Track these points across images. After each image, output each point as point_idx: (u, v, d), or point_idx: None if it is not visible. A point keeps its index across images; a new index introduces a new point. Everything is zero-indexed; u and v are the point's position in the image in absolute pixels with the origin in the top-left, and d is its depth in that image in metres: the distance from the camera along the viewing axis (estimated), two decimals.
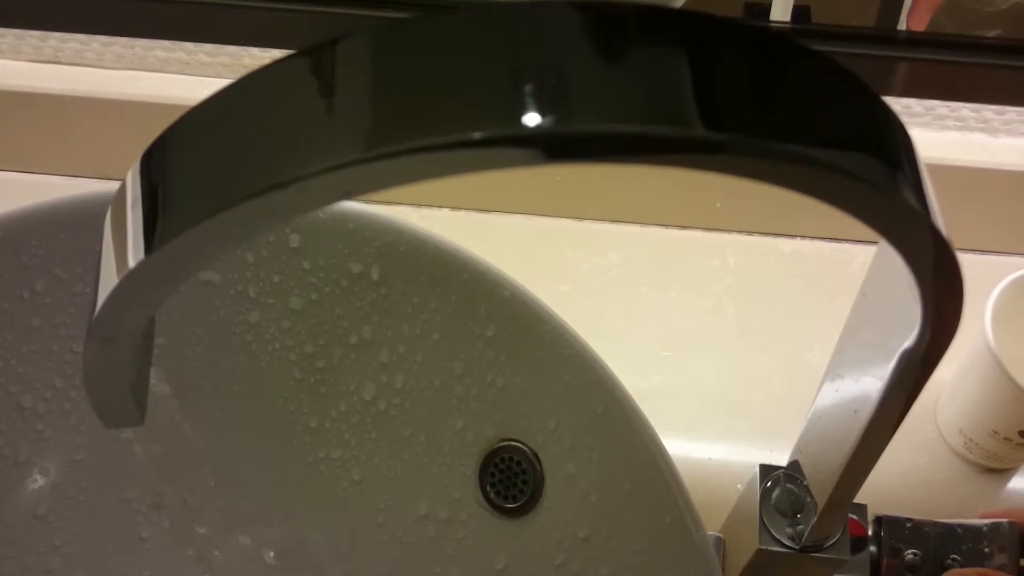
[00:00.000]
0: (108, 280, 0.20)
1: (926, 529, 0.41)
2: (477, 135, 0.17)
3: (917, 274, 0.21)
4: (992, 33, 0.50)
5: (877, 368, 0.26)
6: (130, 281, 0.19)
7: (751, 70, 0.18)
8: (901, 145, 0.19)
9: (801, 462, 0.37)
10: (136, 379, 0.22)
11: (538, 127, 0.17)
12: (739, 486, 0.51)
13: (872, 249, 0.60)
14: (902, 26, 0.48)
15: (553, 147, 0.17)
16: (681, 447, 0.52)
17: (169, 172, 0.19)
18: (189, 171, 0.19)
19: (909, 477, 0.51)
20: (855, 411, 0.28)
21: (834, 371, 0.31)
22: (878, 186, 0.18)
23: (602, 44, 0.18)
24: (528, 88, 0.17)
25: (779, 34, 0.19)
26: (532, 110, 0.17)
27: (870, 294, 0.27)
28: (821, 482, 0.34)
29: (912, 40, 0.49)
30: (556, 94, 0.17)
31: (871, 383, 0.27)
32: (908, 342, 0.23)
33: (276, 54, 0.56)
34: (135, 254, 0.19)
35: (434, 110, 0.17)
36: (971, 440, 0.50)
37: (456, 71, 0.17)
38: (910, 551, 0.40)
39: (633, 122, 0.17)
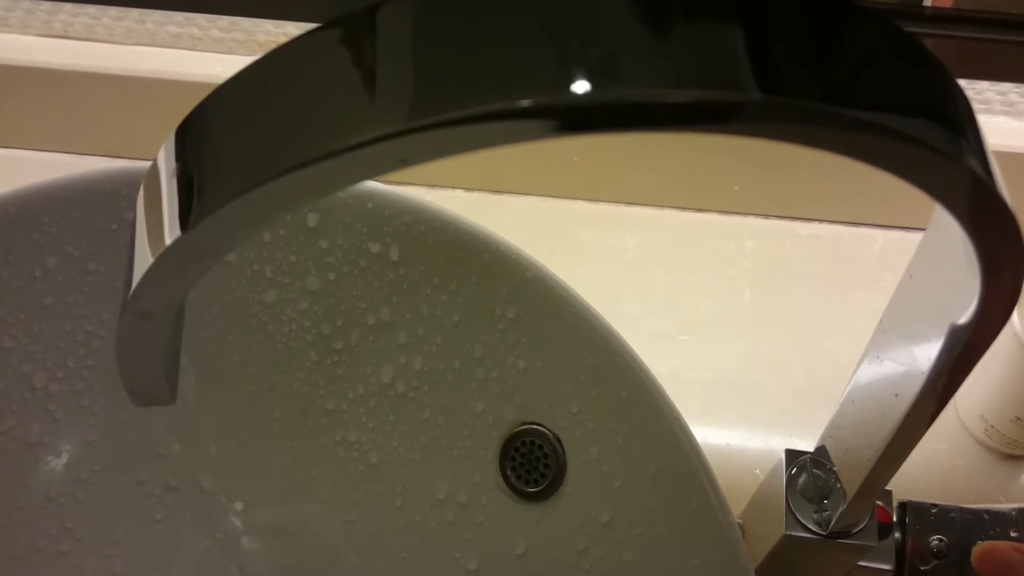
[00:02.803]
0: (143, 257, 0.19)
1: (952, 515, 0.40)
2: (527, 103, 0.16)
3: (977, 245, 0.20)
4: (1017, 10, 0.49)
5: (922, 350, 0.26)
6: (167, 257, 0.19)
7: (808, 32, 0.18)
8: (964, 112, 0.19)
9: (830, 447, 0.36)
10: (169, 357, 0.21)
11: (590, 95, 0.16)
12: (757, 471, 0.50)
13: (891, 233, 0.59)
14: (926, 2, 0.48)
15: (609, 115, 0.16)
16: (698, 432, 0.51)
17: (207, 144, 0.19)
18: (228, 142, 0.18)
19: (928, 463, 0.51)
20: (895, 395, 0.28)
21: (872, 355, 0.30)
22: (944, 153, 0.18)
23: (656, 6, 0.17)
24: (580, 54, 0.16)
25: None
26: (585, 77, 0.16)
27: (917, 275, 0.26)
28: (852, 468, 0.34)
29: (935, 16, 0.49)
30: (611, 59, 0.16)
31: (915, 366, 0.26)
32: (962, 319, 0.23)
33: (291, 28, 0.55)
34: (171, 230, 0.19)
35: (492, 77, 0.16)
36: (992, 426, 0.49)
37: (504, 37, 0.17)
38: (935, 537, 0.40)
39: (687, 88, 0.16)
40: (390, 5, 0.18)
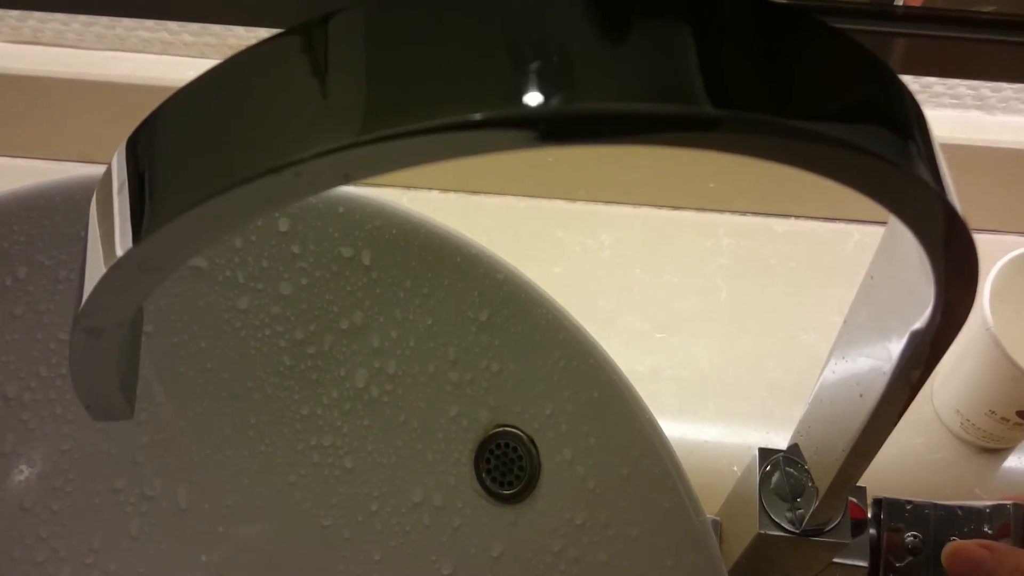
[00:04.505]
0: (95, 269, 0.19)
1: (926, 511, 0.40)
2: (477, 116, 0.16)
3: (930, 253, 0.20)
4: (988, 9, 0.49)
5: (884, 351, 0.26)
6: (118, 270, 0.18)
7: (757, 43, 0.18)
8: (913, 119, 0.19)
9: (801, 445, 0.36)
10: (125, 371, 0.21)
11: (541, 107, 0.16)
12: (735, 468, 0.50)
13: (866, 229, 0.59)
14: (899, 1, 0.48)
15: (559, 128, 0.16)
16: (676, 430, 0.52)
17: (157, 156, 0.19)
18: (178, 155, 0.18)
19: (905, 457, 0.51)
20: (860, 395, 0.28)
21: (838, 355, 0.30)
22: (892, 162, 0.18)
23: (606, 18, 0.17)
24: (529, 66, 0.16)
25: (784, 5, 0.18)
26: (534, 90, 0.16)
27: (877, 276, 0.26)
28: (823, 466, 0.34)
29: (908, 16, 0.49)
30: (559, 72, 0.16)
31: (877, 366, 0.26)
32: (919, 323, 0.23)
33: (263, 33, 0.55)
34: (123, 242, 0.19)
35: (433, 90, 0.16)
36: (968, 420, 0.49)
37: (454, 49, 0.17)
38: (910, 533, 0.40)
39: (637, 100, 0.16)
40: (342, 15, 0.18)
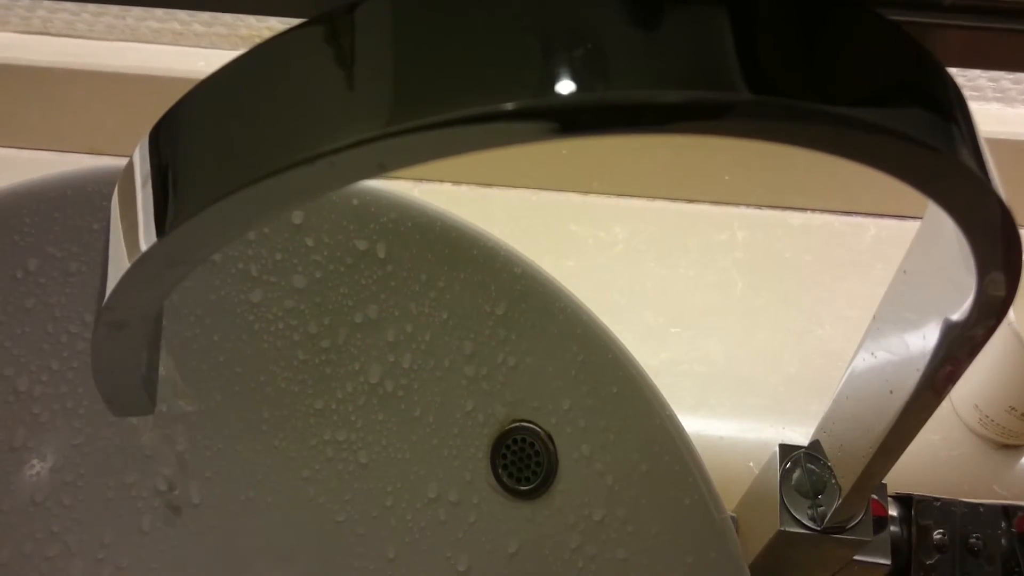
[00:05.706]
0: (118, 263, 0.19)
1: (952, 508, 0.40)
2: (510, 106, 0.16)
3: (972, 241, 0.20)
4: None
5: (918, 346, 0.25)
6: (142, 264, 0.18)
7: (793, 26, 0.17)
8: (956, 105, 0.18)
9: (824, 442, 0.36)
10: (147, 366, 0.21)
11: (573, 96, 0.16)
12: (751, 464, 0.50)
13: (883, 222, 0.59)
14: None
15: (601, 116, 0.16)
16: (691, 425, 0.51)
17: (182, 147, 0.18)
18: (204, 146, 0.18)
19: (922, 453, 0.50)
20: (890, 392, 0.27)
21: (866, 350, 0.30)
22: (937, 149, 0.17)
23: (639, 2, 0.17)
24: (566, 53, 0.16)
25: None
26: (571, 78, 0.16)
27: (911, 270, 0.26)
28: (847, 463, 0.33)
29: (927, 5, 0.48)
30: (597, 59, 0.16)
31: (910, 362, 0.26)
32: (957, 316, 0.22)
33: (274, 23, 0.54)
34: (147, 236, 0.18)
35: (469, 79, 0.16)
36: (986, 416, 0.49)
37: (485, 37, 0.16)
38: (938, 531, 0.40)
39: (675, 88, 0.16)
40: (369, 3, 0.17)
